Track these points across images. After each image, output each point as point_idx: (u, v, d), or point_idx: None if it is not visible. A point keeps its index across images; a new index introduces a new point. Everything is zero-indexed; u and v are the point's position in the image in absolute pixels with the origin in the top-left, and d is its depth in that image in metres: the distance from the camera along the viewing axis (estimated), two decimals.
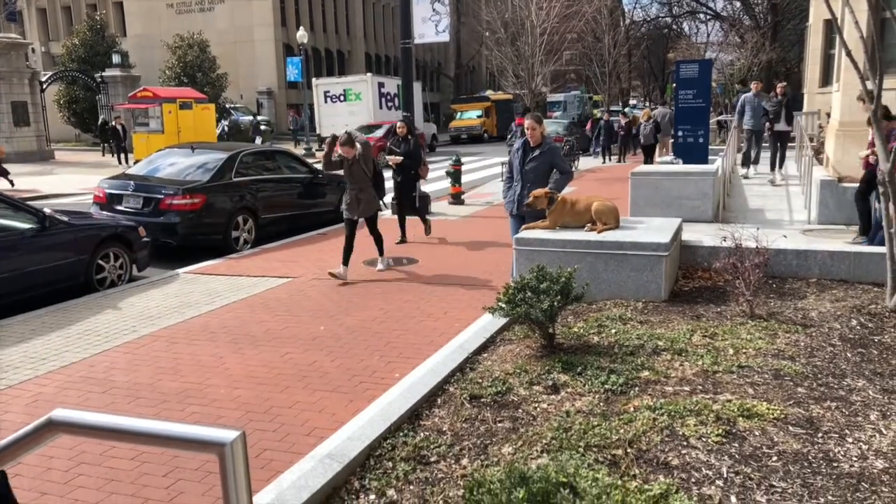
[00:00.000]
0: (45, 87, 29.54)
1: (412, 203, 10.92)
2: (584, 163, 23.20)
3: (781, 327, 5.44)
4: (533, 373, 4.72)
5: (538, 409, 4.22)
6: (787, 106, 14.32)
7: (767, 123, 14.10)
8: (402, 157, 10.54)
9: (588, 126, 27.35)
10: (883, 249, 6.18)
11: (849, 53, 6.13)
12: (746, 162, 15.09)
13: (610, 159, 24.29)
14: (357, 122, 29.57)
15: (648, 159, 19.88)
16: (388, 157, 10.83)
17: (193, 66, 33.63)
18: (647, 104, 52.02)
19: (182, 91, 27.84)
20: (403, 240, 10.52)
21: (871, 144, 8.55)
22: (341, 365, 5.32)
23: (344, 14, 53.68)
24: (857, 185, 8.74)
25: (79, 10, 49.47)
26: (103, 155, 30.33)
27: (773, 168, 14.26)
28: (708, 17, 46.14)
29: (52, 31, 52.77)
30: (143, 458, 3.89)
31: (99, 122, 32.20)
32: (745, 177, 14.62)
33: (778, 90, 14.48)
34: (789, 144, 14.83)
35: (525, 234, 6.87)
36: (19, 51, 27.83)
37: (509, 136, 19.48)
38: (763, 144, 15.05)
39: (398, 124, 10.89)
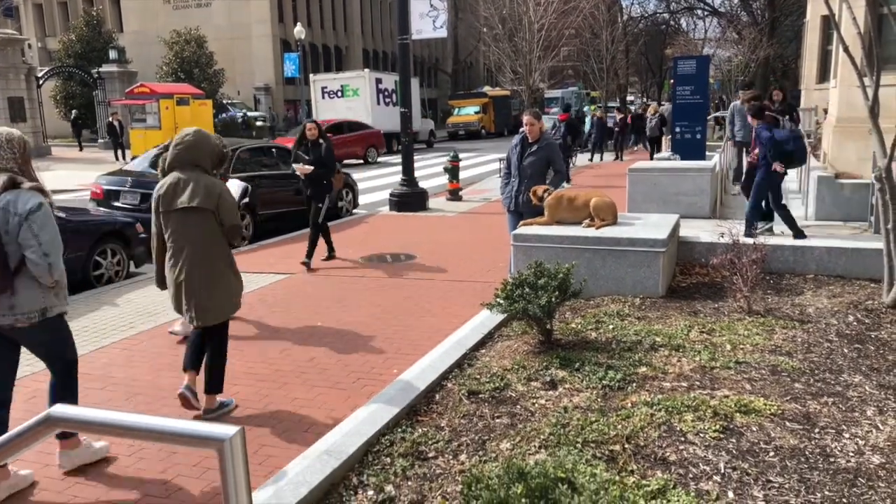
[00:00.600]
0: (41, 82, 29.47)
1: (316, 219, 8.77)
2: (582, 159, 23.21)
3: (779, 323, 5.45)
4: (531, 369, 4.73)
5: (536, 404, 4.23)
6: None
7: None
8: (311, 167, 8.58)
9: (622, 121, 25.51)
10: (875, 245, 6.19)
11: (846, 49, 6.14)
12: (738, 177, 14.38)
13: (602, 157, 23.85)
14: (355, 118, 29.55)
15: (655, 151, 20.57)
16: (294, 167, 8.85)
17: (190, 61, 33.57)
18: (645, 101, 52.08)
19: (179, 87, 27.78)
20: (308, 261, 8.61)
21: (753, 147, 8.92)
22: (339, 361, 5.33)
23: (341, 10, 53.58)
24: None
25: (75, 5, 49.29)
26: (80, 150, 30.39)
27: None
28: (705, 13, 46.17)
29: (48, 26, 52.58)
30: (142, 455, 3.90)
31: (72, 117, 32.26)
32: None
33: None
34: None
35: (523, 230, 6.87)
36: (16, 46, 27.74)
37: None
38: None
39: (307, 126, 8.91)
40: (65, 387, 3.82)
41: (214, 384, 4.49)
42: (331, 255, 9.10)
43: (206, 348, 4.52)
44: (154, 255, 4.77)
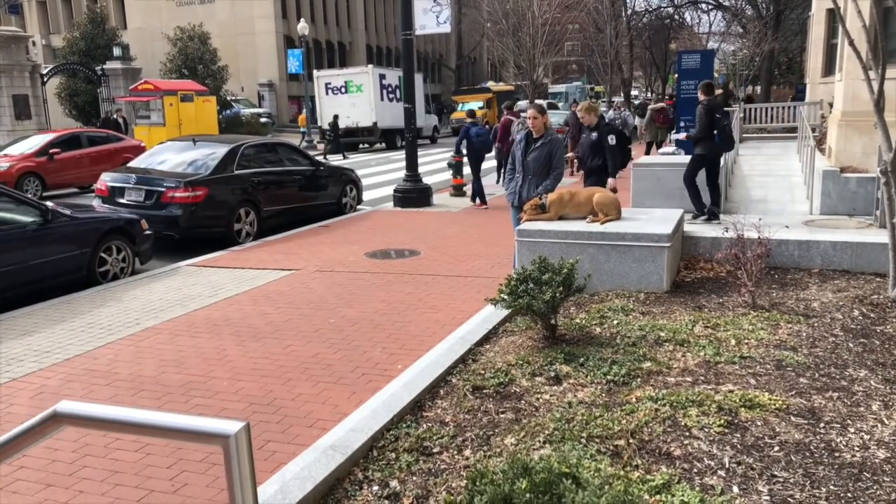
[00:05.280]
0: (46, 80, 29.45)
1: None
2: None
3: (783, 318, 5.44)
4: (535, 364, 4.73)
5: (540, 400, 4.23)
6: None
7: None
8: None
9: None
10: (880, 239, 6.17)
11: (851, 43, 6.11)
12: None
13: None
14: (358, 114, 29.51)
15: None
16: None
17: (194, 58, 33.54)
18: (651, 95, 51.98)
19: (183, 83, 27.76)
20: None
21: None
22: (344, 357, 5.34)
23: (345, 5, 53.53)
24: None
25: (79, 2, 49.38)
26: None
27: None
28: (710, 6, 45.93)
29: (52, 23, 52.68)
30: (148, 451, 3.91)
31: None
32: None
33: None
34: (792, 135, 14.54)
35: (527, 225, 6.87)
36: (20, 44, 27.75)
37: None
38: None
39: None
40: None
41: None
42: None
43: None
44: None
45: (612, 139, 8.06)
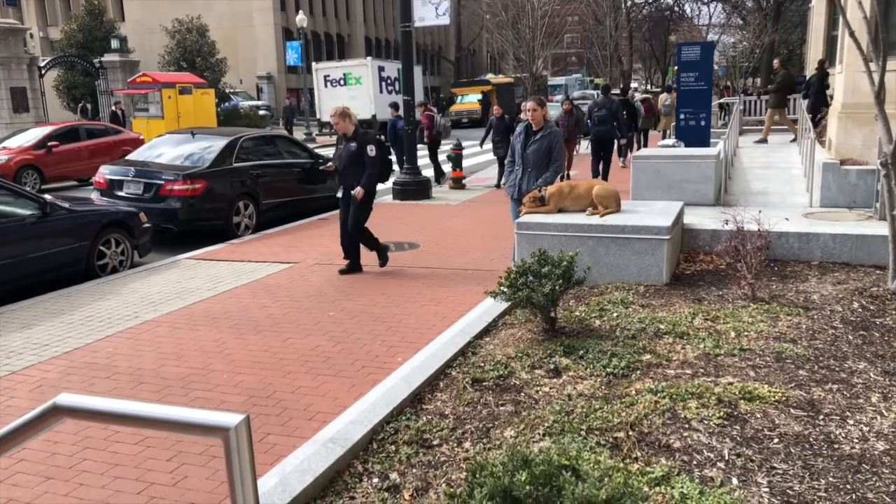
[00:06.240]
0: (43, 72, 29.36)
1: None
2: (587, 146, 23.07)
3: (783, 310, 5.44)
4: (535, 356, 4.73)
5: (540, 392, 4.23)
6: None
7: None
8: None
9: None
10: (880, 231, 6.17)
11: (852, 34, 6.09)
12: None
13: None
14: (358, 107, 29.43)
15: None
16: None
17: (192, 50, 33.47)
18: (648, 86, 51.90)
19: (181, 76, 27.69)
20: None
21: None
22: (343, 349, 5.34)
23: None
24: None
25: None
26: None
27: None
28: None
29: (50, 16, 52.49)
30: (148, 444, 3.91)
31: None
32: None
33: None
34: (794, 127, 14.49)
35: (526, 218, 6.86)
36: (17, 36, 27.64)
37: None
38: None
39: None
40: None
41: None
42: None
43: None
44: None
45: (371, 150, 7.63)
